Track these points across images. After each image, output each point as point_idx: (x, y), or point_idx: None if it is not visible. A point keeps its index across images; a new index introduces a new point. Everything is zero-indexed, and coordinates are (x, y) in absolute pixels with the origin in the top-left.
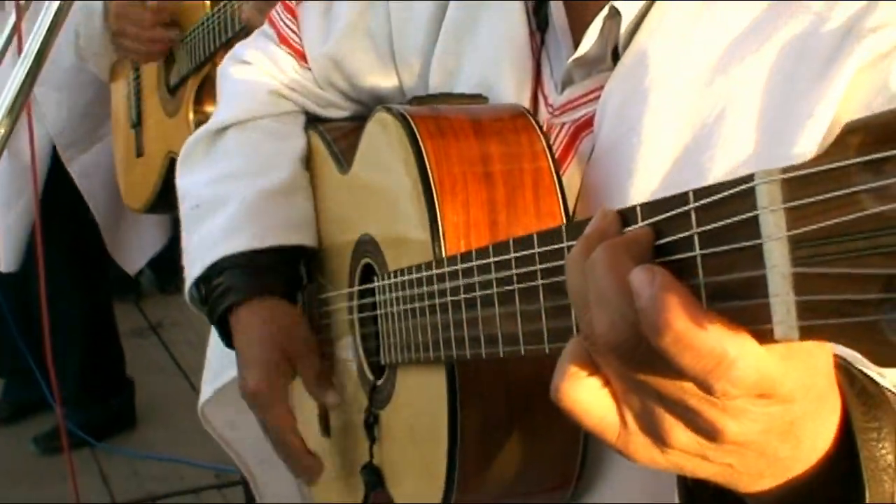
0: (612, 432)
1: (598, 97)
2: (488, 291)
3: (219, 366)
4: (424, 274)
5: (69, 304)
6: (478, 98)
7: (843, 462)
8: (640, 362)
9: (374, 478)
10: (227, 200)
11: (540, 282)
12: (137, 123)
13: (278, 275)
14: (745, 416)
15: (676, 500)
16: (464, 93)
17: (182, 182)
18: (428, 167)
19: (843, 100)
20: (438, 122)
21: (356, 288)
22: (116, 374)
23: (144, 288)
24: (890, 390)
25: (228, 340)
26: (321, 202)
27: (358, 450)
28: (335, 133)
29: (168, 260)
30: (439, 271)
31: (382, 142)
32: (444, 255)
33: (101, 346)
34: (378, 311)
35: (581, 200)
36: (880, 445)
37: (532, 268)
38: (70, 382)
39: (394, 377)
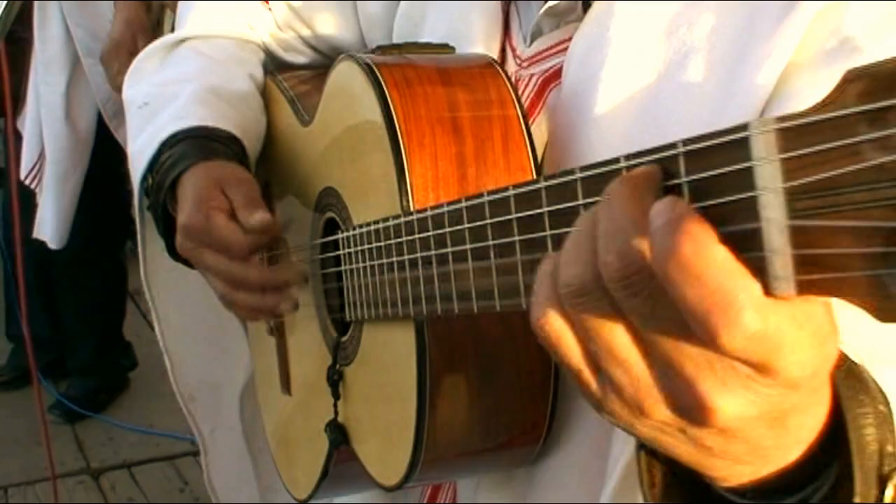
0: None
1: (566, 48)
2: (462, 247)
3: None
4: (392, 226)
5: (91, 274)
6: (445, 48)
7: (821, 450)
8: (642, 309)
9: (338, 435)
10: (178, 95)
11: (517, 238)
12: None
13: (230, 153)
14: (745, 393)
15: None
16: (430, 42)
17: (130, 91)
18: (395, 118)
19: (801, 43)
20: (405, 72)
21: (317, 241)
22: (120, 339)
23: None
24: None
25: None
26: (281, 153)
27: (322, 407)
28: (293, 82)
29: None
30: (408, 224)
31: (346, 92)
32: (412, 208)
33: (114, 317)
34: (342, 267)
35: (548, 151)
36: (866, 432)
37: (508, 216)
38: (85, 351)
39: (359, 334)
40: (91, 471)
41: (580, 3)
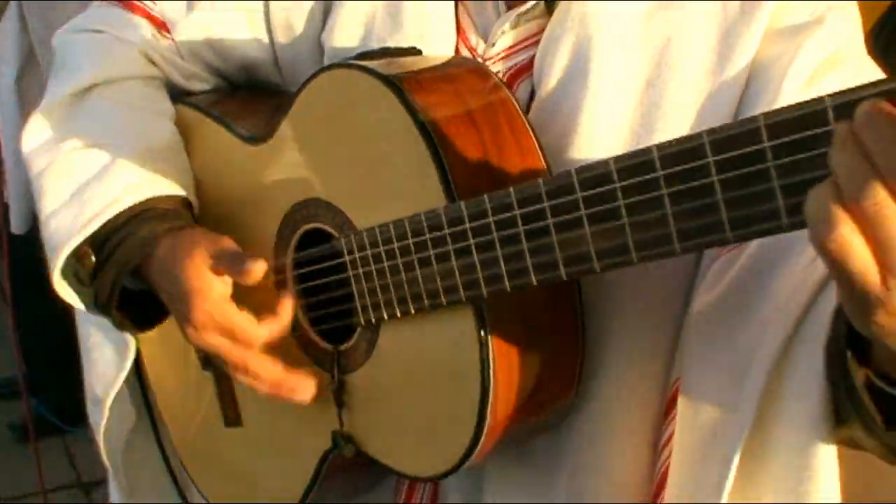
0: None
1: (532, 43)
2: (515, 229)
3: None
4: (445, 215)
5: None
6: (413, 51)
7: None
8: None
9: (348, 444)
10: (114, 152)
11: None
12: None
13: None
14: None
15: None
16: (399, 46)
17: (36, 157)
18: (422, 118)
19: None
20: (415, 75)
21: (290, 255)
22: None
23: None
24: None
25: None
26: (218, 178)
27: (298, 427)
28: (214, 103)
29: None
30: (456, 214)
31: (343, 101)
32: (456, 198)
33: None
34: (350, 272)
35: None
36: None
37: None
38: (44, 365)
39: (372, 336)
40: (82, 484)
41: (543, 2)
